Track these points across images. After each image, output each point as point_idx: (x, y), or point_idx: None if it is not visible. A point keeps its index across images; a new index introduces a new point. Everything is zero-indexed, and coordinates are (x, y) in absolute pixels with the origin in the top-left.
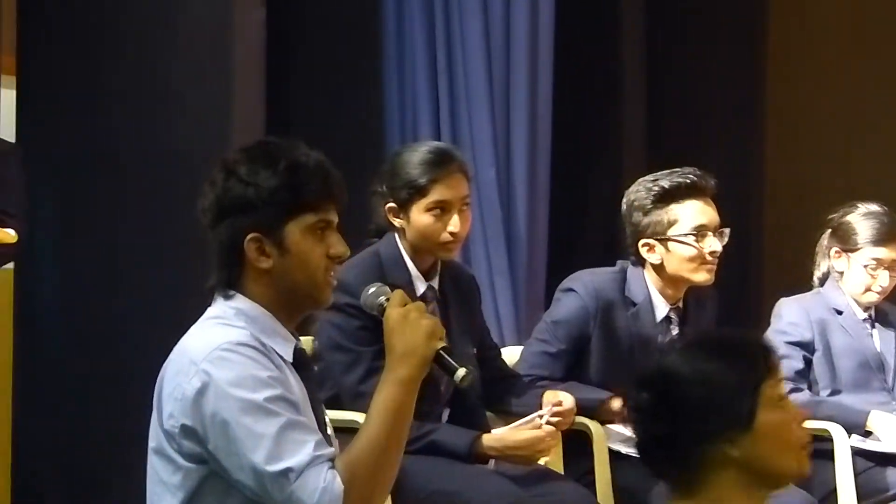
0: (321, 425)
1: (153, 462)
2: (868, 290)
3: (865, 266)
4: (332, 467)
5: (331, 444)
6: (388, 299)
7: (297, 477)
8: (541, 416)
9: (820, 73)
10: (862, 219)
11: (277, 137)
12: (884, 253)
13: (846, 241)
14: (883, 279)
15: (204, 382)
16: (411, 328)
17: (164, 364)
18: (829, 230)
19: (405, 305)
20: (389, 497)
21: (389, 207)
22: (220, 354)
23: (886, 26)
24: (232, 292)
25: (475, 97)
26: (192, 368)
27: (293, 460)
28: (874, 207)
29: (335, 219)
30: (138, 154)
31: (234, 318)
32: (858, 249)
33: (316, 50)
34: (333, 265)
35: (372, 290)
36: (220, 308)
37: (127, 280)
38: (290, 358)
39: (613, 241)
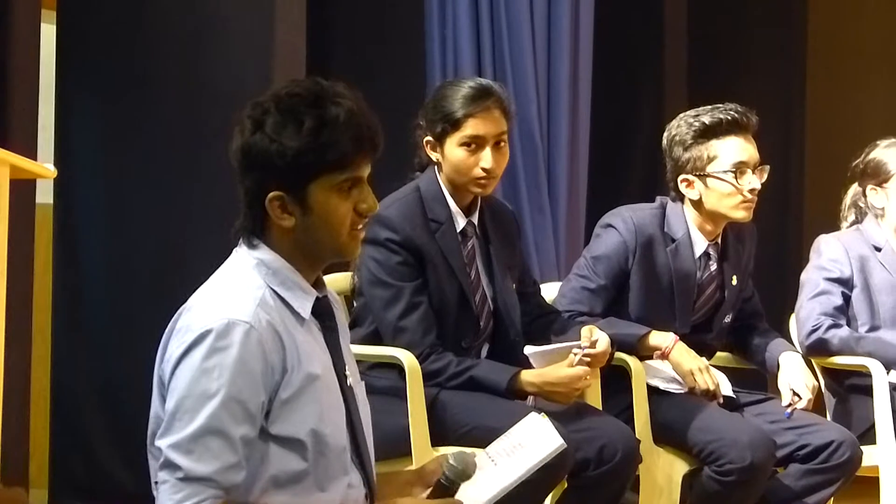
0: (341, 377)
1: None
2: None
3: None
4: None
5: (351, 401)
6: (452, 482)
7: (179, 481)
8: (574, 353)
9: (862, 6)
10: (886, 149)
11: (315, 79)
12: None
13: (878, 174)
14: None
15: (187, 348)
16: None
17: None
18: (857, 178)
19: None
20: (428, 432)
21: (427, 141)
22: (217, 331)
23: None
24: (256, 241)
25: (516, 34)
26: (189, 335)
27: (190, 463)
28: (893, 139)
29: (365, 173)
30: (178, 87)
31: (253, 271)
32: (892, 176)
33: None
34: (362, 220)
35: (460, 466)
36: (242, 257)
37: (168, 215)
38: (306, 313)
39: (654, 178)
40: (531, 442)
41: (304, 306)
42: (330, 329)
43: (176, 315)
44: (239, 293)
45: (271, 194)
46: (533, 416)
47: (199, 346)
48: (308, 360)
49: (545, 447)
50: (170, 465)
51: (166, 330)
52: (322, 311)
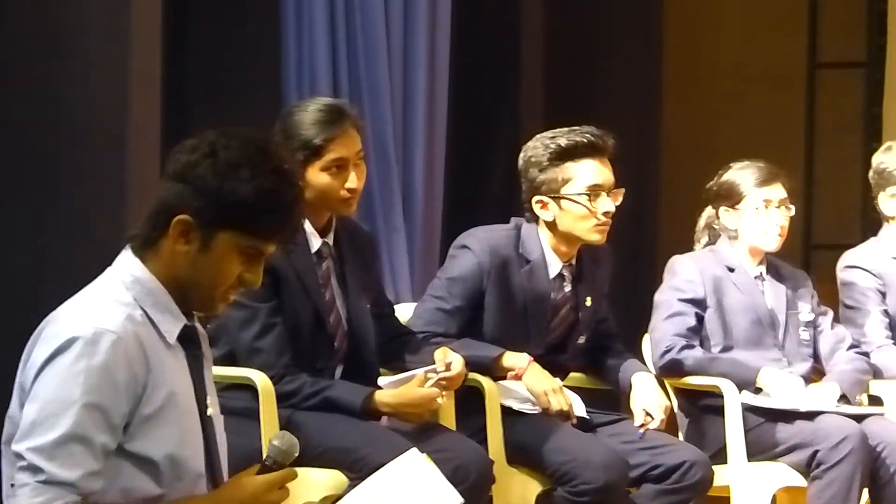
0: (202, 406)
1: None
2: (767, 234)
3: (756, 209)
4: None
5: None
6: (276, 463)
7: (40, 484)
8: (428, 374)
9: (717, 29)
10: (739, 171)
11: (287, 161)
12: (770, 192)
13: (731, 196)
14: (777, 218)
15: (52, 353)
16: None
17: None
18: (711, 199)
19: (280, 487)
20: None
21: None
22: (85, 339)
23: None
24: (143, 252)
25: (372, 53)
26: (55, 342)
27: (53, 468)
28: (746, 161)
29: (269, 252)
30: (30, 110)
31: (128, 287)
32: (745, 197)
33: (215, 4)
34: (238, 288)
35: (284, 447)
36: (119, 271)
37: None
38: (172, 338)
39: (510, 199)
40: (425, 496)
41: (172, 331)
42: (195, 357)
43: (43, 322)
44: (108, 304)
45: (183, 216)
46: (414, 453)
47: (65, 353)
48: (171, 382)
49: None
50: (31, 469)
51: (31, 337)
52: (189, 338)
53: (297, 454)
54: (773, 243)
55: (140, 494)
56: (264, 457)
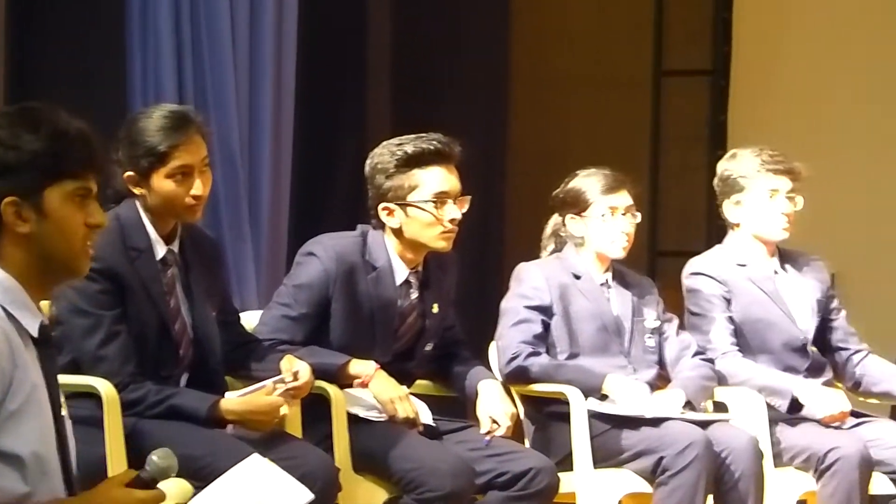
0: (55, 406)
1: None
2: (613, 241)
3: (602, 216)
4: None
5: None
6: (153, 478)
7: None
8: (276, 384)
9: (564, 35)
10: (585, 178)
11: (38, 103)
12: (616, 200)
13: (577, 203)
14: (623, 225)
15: None
16: None
17: None
18: (557, 207)
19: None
20: (126, 462)
21: (129, 177)
22: None
23: None
24: None
25: (217, 60)
26: None
27: None
28: (592, 169)
29: (95, 188)
30: None
31: None
32: (591, 204)
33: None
34: (92, 234)
35: (163, 464)
36: None
37: None
38: (35, 332)
39: (357, 206)
40: (274, 497)
41: (33, 326)
42: (49, 357)
43: None
44: None
45: (7, 199)
46: (256, 458)
47: None
48: (32, 379)
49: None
50: None
51: None
52: (43, 337)
53: (174, 475)
54: (620, 250)
55: (6, 492)
56: (143, 468)
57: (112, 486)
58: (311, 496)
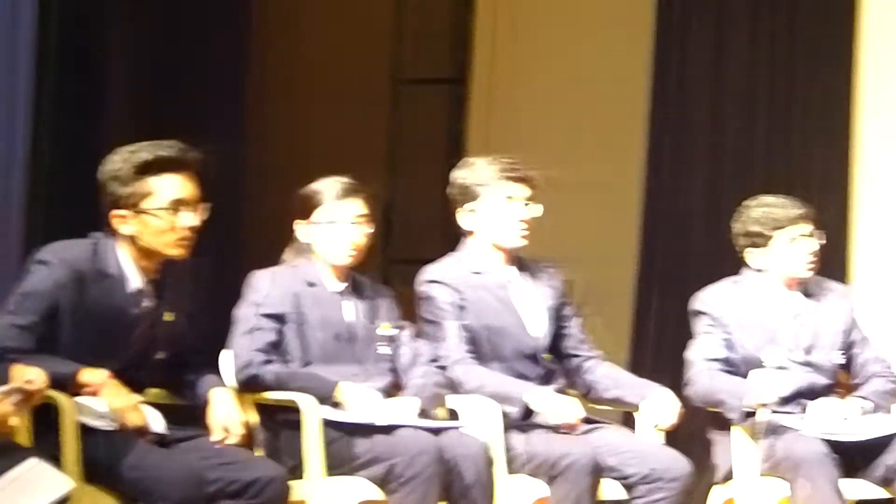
0: None
1: None
2: (341, 248)
3: (331, 222)
4: None
5: None
6: None
7: None
8: (9, 393)
9: (302, 44)
10: (319, 185)
11: None
12: (346, 207)
13: (305, 209)
14: (354, 234)
15: None
16: None
17: None
18: (293, 214)
19: None
20: None
21: None
22: None
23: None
24: None
25: None
26: None
27: None
28: (332, 177)
29: None
30: None
31: None
32: (319, 211)
33: None
34: None
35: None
36: None
37: None
38: None
39: (94, 213)
40: (36, 488)
41: None
42: None
43: None
44: None
45: None
46: (32, 461)
47: None
48: None
49: (55, 490)
50: None
51: None
52: None
53: None
54: (348, 258)
55: None
56: None
57: None
58: (71, 485)
